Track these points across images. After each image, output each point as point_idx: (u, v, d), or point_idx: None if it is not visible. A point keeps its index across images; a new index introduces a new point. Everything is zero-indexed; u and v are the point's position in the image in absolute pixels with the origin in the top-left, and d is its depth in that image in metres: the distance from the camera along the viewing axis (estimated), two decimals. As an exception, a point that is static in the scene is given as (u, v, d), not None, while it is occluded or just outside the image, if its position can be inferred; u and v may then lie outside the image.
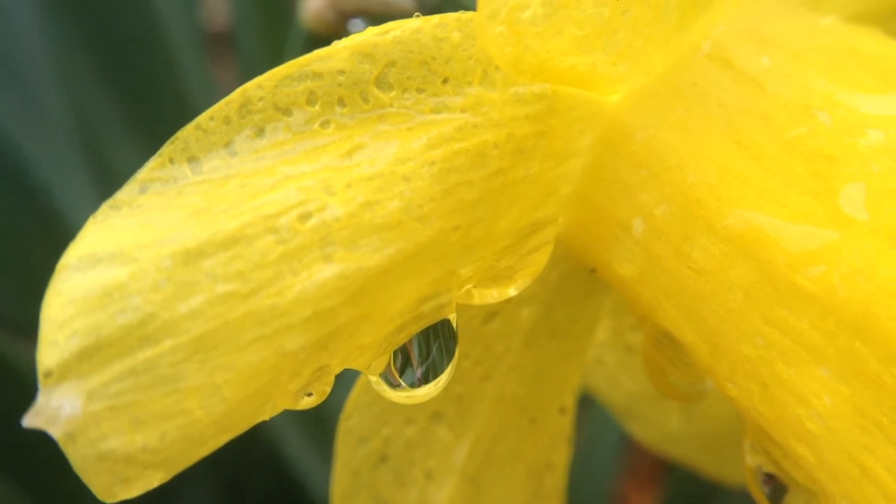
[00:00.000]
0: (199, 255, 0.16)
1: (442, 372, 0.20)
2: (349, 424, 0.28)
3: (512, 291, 0.23)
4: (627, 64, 0.20)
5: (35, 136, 0.54)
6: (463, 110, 0.18)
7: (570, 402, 0.31)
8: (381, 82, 0.18)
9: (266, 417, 0.17)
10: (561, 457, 0.32)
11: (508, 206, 0.20)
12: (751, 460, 0.20)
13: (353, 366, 0.19)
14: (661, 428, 0.41)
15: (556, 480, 0.32)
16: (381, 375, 0.20)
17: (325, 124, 0.18)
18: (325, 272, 0.17)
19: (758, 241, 0.18)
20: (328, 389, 0.18)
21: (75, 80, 0.56)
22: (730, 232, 0.18)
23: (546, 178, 0.21)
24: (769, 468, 0.20)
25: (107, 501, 0.15)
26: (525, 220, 0.21)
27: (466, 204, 0.19)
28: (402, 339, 0.19)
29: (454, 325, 0.20)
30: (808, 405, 0.16)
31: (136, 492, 0.15)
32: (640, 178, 0.21)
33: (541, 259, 0.22)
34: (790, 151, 0.18)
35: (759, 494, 0.20)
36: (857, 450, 0.16)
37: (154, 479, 0.16)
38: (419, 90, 0.18)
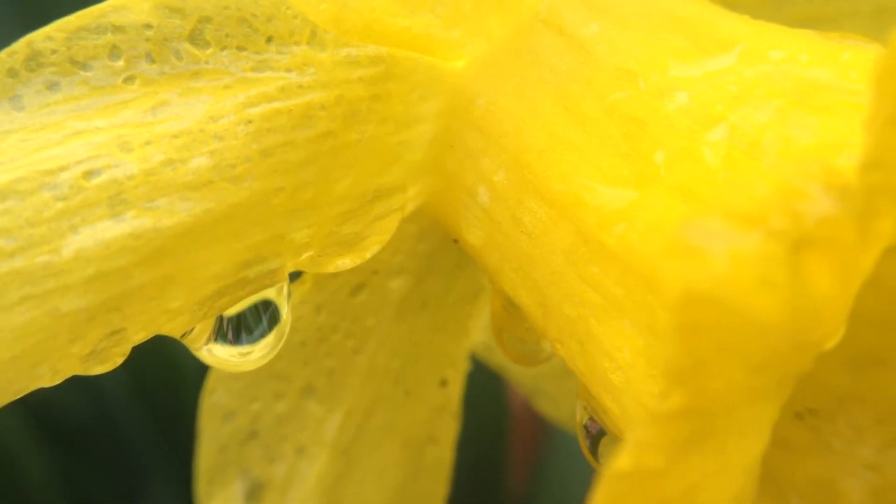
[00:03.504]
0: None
1: (257, 341, 0.20)
2: (213, 399, 0.27)
3: (368, 256, 0.23)
4: (462, 28, 0.20)
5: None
6: (288, 70, 0.18)
7: (451, 374, 0.31)
8: (197, 39, 0.17)
9: (45, 383, 0.17)
10: (446, 431, 0.32)
11: (344, 169, 0.20)
12: (578, 417, 0.21)
13: (164, 331, 0.18)
14: (567, 406, 0.41)
15: (441, 454, 0.32)
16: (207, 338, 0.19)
17: (129, 80, 0.17)
18: (112, 230, 0.16)
19: (575, 203, 0.18)
20: (120, 360, 0.17)
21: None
22: (554, 195, 0.18)
23: (386, 143, 0.21)
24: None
25: None
26: (365, 186, 0.21)
27: (291, 165, 0.18)
28: (225, 303, 0.19)
29: (285, 291, 0.20)
30: (612, 359, 0.17)
31: None
32: (482, 145, 0.21)
33: (389, 226, 0.22)
34: (608, 116, 0.18)
35: (584, 448, 0.21)
36: (649, 400, 0.16)
37: None
38: (240, 48, 0.18)
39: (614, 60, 0.18)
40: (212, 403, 0.27)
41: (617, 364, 0.17)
